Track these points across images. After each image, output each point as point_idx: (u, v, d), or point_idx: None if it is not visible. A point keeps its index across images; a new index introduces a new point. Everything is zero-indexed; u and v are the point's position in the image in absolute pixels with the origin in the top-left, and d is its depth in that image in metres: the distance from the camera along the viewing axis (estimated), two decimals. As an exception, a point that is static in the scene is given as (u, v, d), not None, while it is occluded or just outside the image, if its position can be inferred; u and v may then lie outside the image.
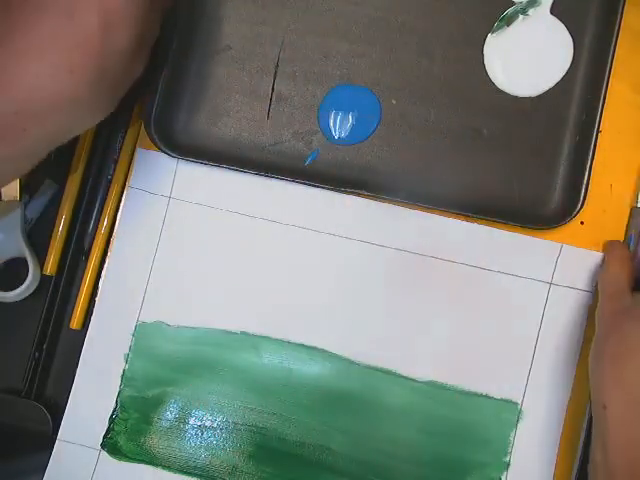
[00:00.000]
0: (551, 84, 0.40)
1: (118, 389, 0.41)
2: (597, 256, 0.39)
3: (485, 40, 0.40)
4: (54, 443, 0.41)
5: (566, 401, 0.39)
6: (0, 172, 0.32)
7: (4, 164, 0.32)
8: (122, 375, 0.41)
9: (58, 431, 0.41)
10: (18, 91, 0.30)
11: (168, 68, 0.40)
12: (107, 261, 0.41)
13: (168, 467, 0.40)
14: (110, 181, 0.42)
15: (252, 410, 0.40)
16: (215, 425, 0.40)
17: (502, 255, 0.40)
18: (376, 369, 0.40)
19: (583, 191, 0.38)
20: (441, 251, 0.40)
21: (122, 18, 0.32)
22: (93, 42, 0.31)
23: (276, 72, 0.41)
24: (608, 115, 0.39)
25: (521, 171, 0.40)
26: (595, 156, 0.38)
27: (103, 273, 0.41)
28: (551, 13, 0.40)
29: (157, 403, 0.41)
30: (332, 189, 0.40)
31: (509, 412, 0.39)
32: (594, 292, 0.39)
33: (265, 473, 0.40)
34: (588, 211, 0.39)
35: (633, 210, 0.39)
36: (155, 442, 0.41)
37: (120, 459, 0.41)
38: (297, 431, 0.40)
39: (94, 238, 0.42)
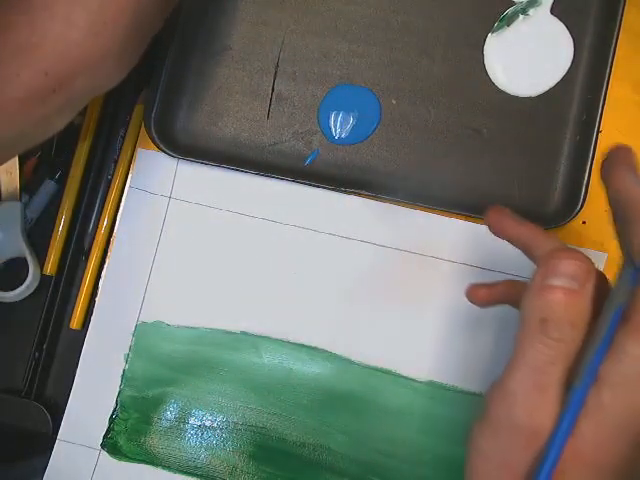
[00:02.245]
0: (551, 84, 0.40)
1: (118, 389, 0.41)
2: (600, 256, 0.39)
3: (485, 40, 0.40)
4: (54, 443, 0.41)
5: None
6: (34, 132, 0.33)
7: (37, 123, 0.32)
8: (122, 375, 0.41)
9: (58, 431, 0.41)
10: (47, 54, 0.30)
11: (168, 68, 0.40)
12: (107, 261, 0.41)
13: (168, 467, 0.40)
14: (110, 181, 0.42)
15: (252, 410, 0.40)
16: (215, 425, 0.40)
17: (503, 255, 0.40)
18: (376, 369, 0.40)
19: (583, 191, 0.38)
20: (441, 251, 0.40)
21: None
22: (129, 4, 0.31)
23: (276, 72, 0.41)
24: (608, 115, 0.39)
25: (521, 171, 0.40)
26: (595, 156, 0.38)
27: (103, 273, 0.41)
28: (551, 13, 0.40)
29: (157, 403, 0.41)
30: (332, 189, 0.40)
31: (509, 412, 0.39)
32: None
33: (265, 473, 0.40)
34: (590, 211, 0.39)
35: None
36: (155, 442, 0.41)
37: (120, 459, 0.41)
38: (297, 431, 0.40)
39: (94, 238, 0.42)
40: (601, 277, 0.27)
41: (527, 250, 0.29)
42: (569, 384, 0.25)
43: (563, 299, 0.25)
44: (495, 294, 0.32)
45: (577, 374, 0.25)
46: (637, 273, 0.26)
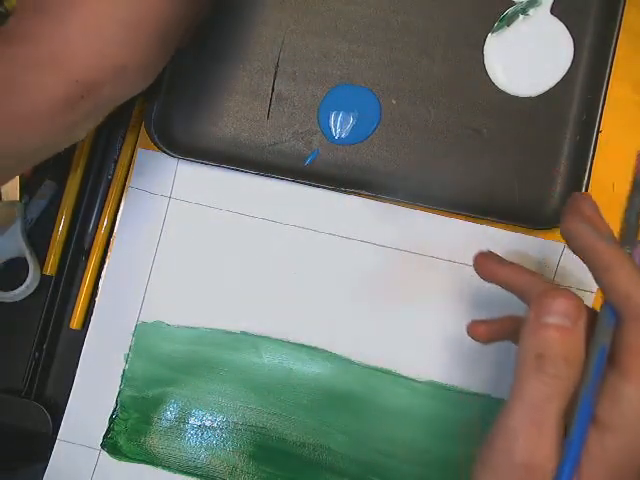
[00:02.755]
0: (551, 84, 0.40)
1: (118, 389, 0.41)
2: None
3: (485, 40, 0.40)
4: (54, 443, 0.41)
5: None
6: (59, 139, 0.33)
7: (64, 130, 0.32)
8: (122, 375, 0.41)
9: (58, 431, 0.41)
10: (77, 64, 0.31)
11: (168, 68, 0.40)
12: (107, 261, 0.41)
13: (168, 467, 0.40)
14: (110, 181, 0.42)
15: (252, 410, 0.40)
16: (215, 425, 0.40)
17: (503, 255, 0.40)
18: (376, 369, 0.40)
19: (583, 191, 0.38)
20: (441, 251, 0.40)
21: None
22: (155, 15, 0.32)
23: (276, 72, 0.41)
24: (608, 115, 0.39)
25: (521, 171, 0.40)
26: (596, 156, 0.38)
27: (103, 273, 0.41)
28: (551, 13, 0.40)
29: (157, 403, 0.41)
30: (332, 189, 0.40)
31: (509, 412, 0.39)
32: (596, 293, 0.39)
33: (265, 473, 0.40)
34: (589, 211, 0.39)
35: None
36: (155, 442, 0.41)
37: (120, 459, 0.41)
38: (297, 431, 0.40)
39: (94, 238, 0.42)
40: (592, 314, 0.28)
41: (518, 293, 0.31)
42: (567, 422, 0.26)
43: (557, 336, 0.26)
44: (494, 331, 0.33)
45: (573, 414, 0.26)
46: (614, 312, 0.27)
